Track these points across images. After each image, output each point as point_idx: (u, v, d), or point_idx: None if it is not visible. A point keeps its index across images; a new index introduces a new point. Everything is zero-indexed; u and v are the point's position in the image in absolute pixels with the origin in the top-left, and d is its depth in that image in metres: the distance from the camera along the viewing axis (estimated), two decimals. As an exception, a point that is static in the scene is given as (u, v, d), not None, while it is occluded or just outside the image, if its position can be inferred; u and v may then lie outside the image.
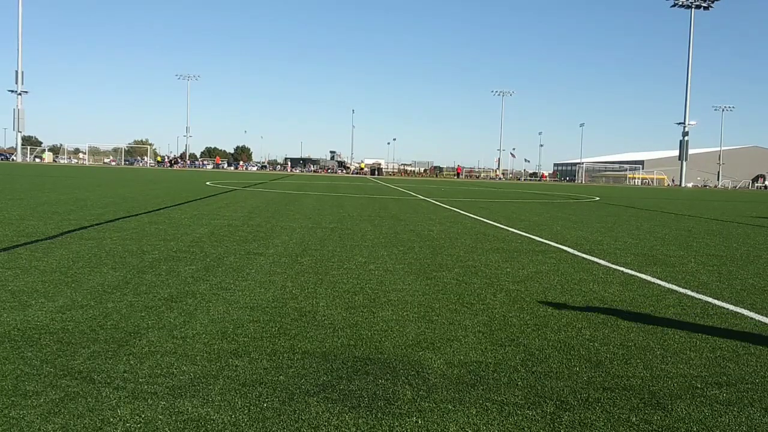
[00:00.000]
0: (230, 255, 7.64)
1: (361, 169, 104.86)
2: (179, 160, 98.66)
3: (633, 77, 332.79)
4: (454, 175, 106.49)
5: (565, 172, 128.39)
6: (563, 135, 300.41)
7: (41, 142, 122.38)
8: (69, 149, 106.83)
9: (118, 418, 2.84)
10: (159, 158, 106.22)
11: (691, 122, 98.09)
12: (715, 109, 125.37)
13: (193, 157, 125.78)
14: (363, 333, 4.39)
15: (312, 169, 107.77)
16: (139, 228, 10.06)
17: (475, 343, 4.27)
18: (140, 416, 2.87)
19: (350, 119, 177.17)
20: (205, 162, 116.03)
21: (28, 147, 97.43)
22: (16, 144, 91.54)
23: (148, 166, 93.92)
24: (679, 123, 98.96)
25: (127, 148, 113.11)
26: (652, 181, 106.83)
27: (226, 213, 13.63)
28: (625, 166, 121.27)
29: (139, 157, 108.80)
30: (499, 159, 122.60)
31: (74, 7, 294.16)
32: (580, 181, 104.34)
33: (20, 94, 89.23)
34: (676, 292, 6.36)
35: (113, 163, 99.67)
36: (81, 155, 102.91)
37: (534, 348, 4.19)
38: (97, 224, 10.34)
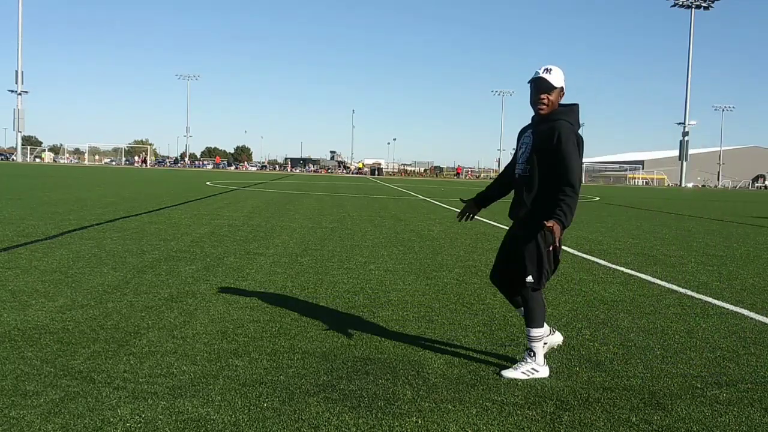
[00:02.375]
0: (230, 255, 7.64)
1: (360, 169, 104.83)
2: (148, 159, 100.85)
3: (633, 77, 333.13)
4: (454, 174, 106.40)
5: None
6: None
7: (41, 142, 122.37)
8: (69, 149, 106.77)
9: (118, 418, 2.84)
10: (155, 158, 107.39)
11: (691, 122, 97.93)
12: (715, 109, 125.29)
13: (193, 156, 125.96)
14: (363, 333, 4.39)
15: (312, 169, 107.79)
16: (139, 228, 10.06)
17: (475, 343, 4.27)
18: (140, 416, 2.87)
19: (350, 119, 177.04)
20: (205, 162, 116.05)
21: (28, 147, 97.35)
22: (16, 144, 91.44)
23: (135, 165, 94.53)
24: (679, 123, 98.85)
25: (127, 148, 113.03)
26: (653, 181, 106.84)
27: (226, 213, 13.63)
28: (625, 166, 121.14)
29: (135, 157, 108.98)
30: (499, 159, 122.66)
31: (74, 7, 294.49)
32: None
33: (20, 94, 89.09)
34: (676, 292, 6.36)
35: (113, 164, 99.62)
36: (83, 155, 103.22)
37: (534, 348, 4.18)
38: (97, 224, 10.34)
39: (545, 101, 3.54)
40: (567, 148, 3.45)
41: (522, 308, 3.75)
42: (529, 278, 3.58)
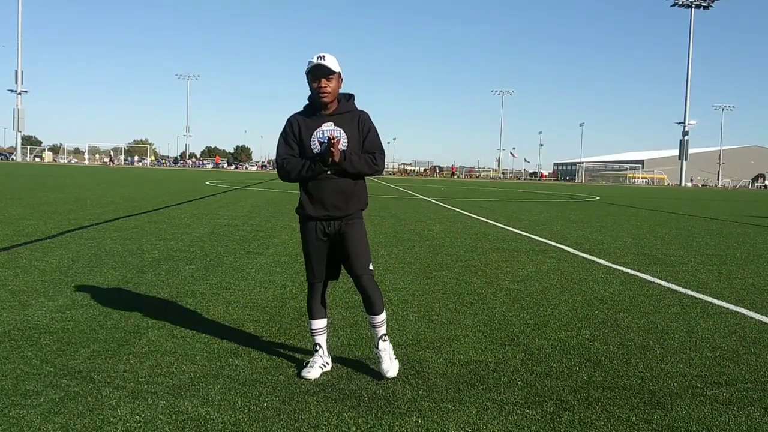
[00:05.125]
0: (230, 254, 7.64)
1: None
2: (114, 158, 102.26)
3: (633, 77, 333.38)
4: (450, 174, 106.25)
5: (565, 172, 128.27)
6: (563, 135, 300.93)
7: (41, 142, 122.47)
8: (69, 149, 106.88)
9: (118, 418, 2.83)
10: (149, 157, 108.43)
11: (691, 122, 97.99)
12: (715, 109, 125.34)
13: (193, 156, 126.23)
14: (363, 333, 4.39)
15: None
16: (139, 227, 10.06)
17: (475, 342, 4.26)
18: (140, 416, 2.87)
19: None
20: (205, 162, 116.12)
21: (28, 147, 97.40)
22: (16, 144, 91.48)
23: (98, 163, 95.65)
24: (679, 123, 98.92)
25: (126, 148, 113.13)
26: (653, 181, 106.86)
27: (226, 212, 13.63)
28: (625, 165, 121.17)
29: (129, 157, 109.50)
30: (499, 159, 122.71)
31: (74, 7, 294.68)
32: (580, 181, 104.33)
33: (20, 93, 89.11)
34: (676, 291, 6.36)
35: (113, 164, 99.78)
36: (85, 155, 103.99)
37: (534, 348, 4.19)
38: (97, 224, 10.34)
39: (327, 88, 3.41)
40: (378, 135, 3.55)
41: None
42: (371, 266, 3.61)
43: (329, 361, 3.65)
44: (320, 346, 3.62)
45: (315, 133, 3.47)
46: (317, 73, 3.40)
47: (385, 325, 3.64)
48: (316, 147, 3.45)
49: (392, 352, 3.63)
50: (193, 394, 3.14)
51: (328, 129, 3.47)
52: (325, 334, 3.69)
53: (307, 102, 3.57)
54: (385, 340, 3.60)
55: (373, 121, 3.61)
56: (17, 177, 29.65)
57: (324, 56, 3.40)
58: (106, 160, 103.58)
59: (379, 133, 3.59)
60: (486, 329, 4.61)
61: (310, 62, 3.41)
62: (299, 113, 3.58)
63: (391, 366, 3.53)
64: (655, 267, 7.91)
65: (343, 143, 3.45)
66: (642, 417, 3.09)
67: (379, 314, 3.60)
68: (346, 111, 3.52)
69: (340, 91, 3.55)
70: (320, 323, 3.66)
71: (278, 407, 3.04)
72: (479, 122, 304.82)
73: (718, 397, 3.40)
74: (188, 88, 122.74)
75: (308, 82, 3.46)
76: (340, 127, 3.48)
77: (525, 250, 9.20)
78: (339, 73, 3.46)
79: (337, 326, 4.52)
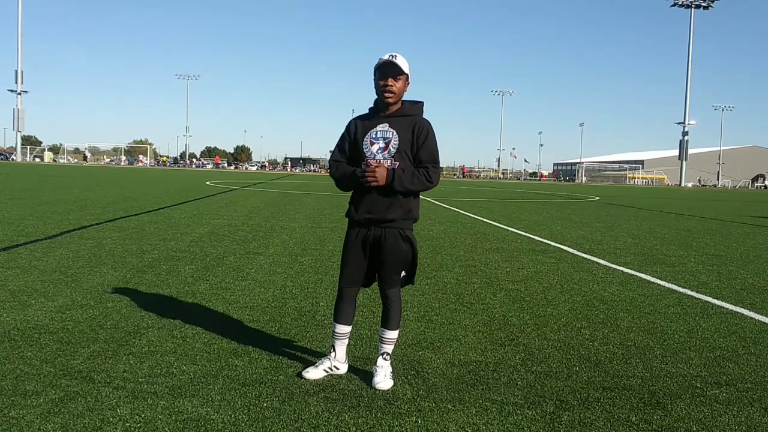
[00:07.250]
0: (230, 254, 7.64)
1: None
2: (87, 157, 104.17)
3: (633, 77, 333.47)
4: (457, 174, 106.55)
5: (565, 172, 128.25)
6: (563, 135, 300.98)
7: (41, 142, 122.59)
8: (69, 149, 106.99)
9: (117, 418, 2.83)
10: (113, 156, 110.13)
11: (691, 122, 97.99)
12: (715, 109, 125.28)
13: (192, 156, 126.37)
14: (363, 333, 4.39)
15: (311, 169, 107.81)
16: (138, 228, 10.05)
17: (475, 342, 4.26)
18: (140, 416, 2.86)
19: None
20: (205, 162, 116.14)
21: (28, 147, 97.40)
22: (16, 144, 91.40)
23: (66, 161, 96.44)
24: (679, 123, 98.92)
25: (126, 148, 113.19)
26: (653, 181, 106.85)
27: (225, 213, 13.62)
28: (625, 166, 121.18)
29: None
30: (499, 159, 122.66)
31: (74, 7, 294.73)
32: (580, 181, 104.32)
33: (20, 93, 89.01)
34: (676, 291, 6.36)
35: (113, 163, 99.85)
36: (88, 155, 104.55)
37: (534, 348, 4.19)
38: (96, 224, 10.34)
39: (393, 87, 3.34)
40: (434, 145, 3.42)
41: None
42: (403, 273, 3.56)
43: (339, 366, 3.55)
44: (334, 350, 3.55)
45: (368, 134, 3.42)
46: (386, 70, 3.34)
47: (392, 346, 3.55)
48: (367, 147, 3.39)
49: (390, 371, 3.47)
50: (193, 394, 3.14)
51: (381, 130, 3.40)
52: (346, 341, 3.59)
53: (372, 105, 3.52)
54: (386, 359, 3.50)
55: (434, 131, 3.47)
56: (17, 177, 29.64)
57: (396, 55, 3.35)
58: (104, 159, 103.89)
59: (437, 149, 3.43)
60: (486, 329, 4.61)
61: (380, 59, 3.36)
62: (360, 116, 3.55)
63: (383, 382, 3.39)
64: (655, 267, 7.91)
65: (393, 144, 3.35)
66: (642, 417, 3.09)
67: (391, 330, 3.53)
68: (406, 115, 3.43)
69: (410, 98, 3.50)
70: (342, 328, 3.56)
71: (278, 407, 3.04)
72: (479, 122, 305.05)
73: (718, 397, 3.40)
74: (188, 88, 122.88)
75: (375, 80, 3.40)
76: (394, 129, 3.39)
77: (525, 250, 9.20)
78: (407, 75, 3.40)
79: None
